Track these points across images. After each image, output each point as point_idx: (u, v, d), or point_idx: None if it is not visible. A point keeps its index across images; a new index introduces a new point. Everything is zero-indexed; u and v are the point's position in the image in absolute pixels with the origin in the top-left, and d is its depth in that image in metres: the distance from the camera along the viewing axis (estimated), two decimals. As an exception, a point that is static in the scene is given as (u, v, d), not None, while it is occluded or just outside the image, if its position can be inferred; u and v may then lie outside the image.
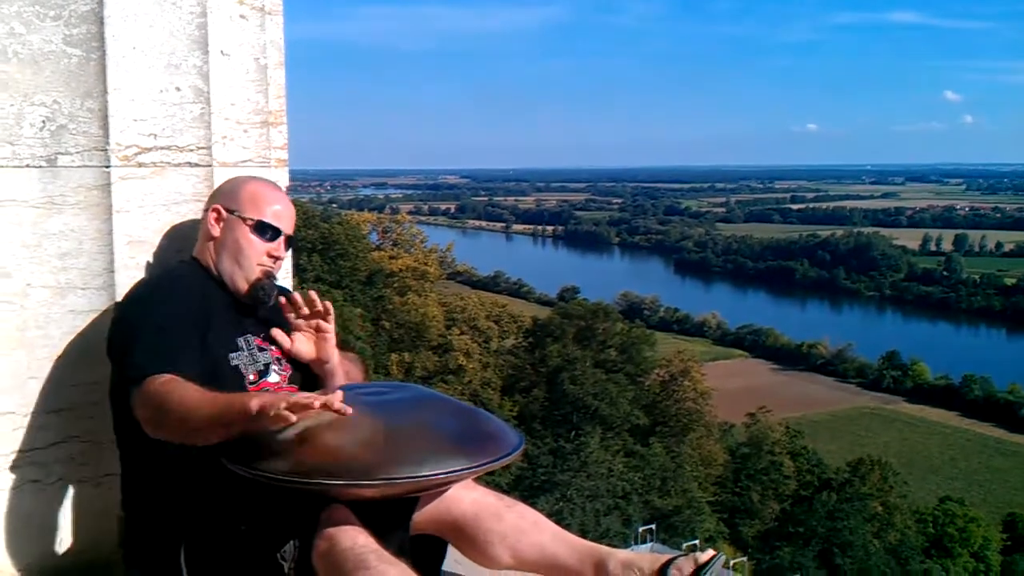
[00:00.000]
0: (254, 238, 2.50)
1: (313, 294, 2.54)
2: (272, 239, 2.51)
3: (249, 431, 2.09)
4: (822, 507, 47.35)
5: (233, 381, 2.38)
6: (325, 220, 51.33)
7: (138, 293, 2.46)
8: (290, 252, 2.95)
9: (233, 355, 2.43)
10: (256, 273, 2.50)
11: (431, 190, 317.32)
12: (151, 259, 2.62)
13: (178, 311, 2.35)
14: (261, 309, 2.53)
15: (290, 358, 2.55)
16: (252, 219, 2.50)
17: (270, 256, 2.51)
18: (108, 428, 2.47)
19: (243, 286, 2.50)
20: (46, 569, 2.56)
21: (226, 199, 2.54)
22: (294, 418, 2.03)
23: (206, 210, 2.55)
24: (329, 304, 2.54)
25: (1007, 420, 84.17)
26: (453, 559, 2.50)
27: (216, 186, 2.67)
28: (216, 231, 2.52)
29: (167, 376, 2.19)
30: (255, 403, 2.03)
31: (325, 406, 2.04)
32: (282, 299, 2.54)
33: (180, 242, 2.60)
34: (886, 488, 52.42)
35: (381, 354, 43.68)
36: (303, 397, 2.04)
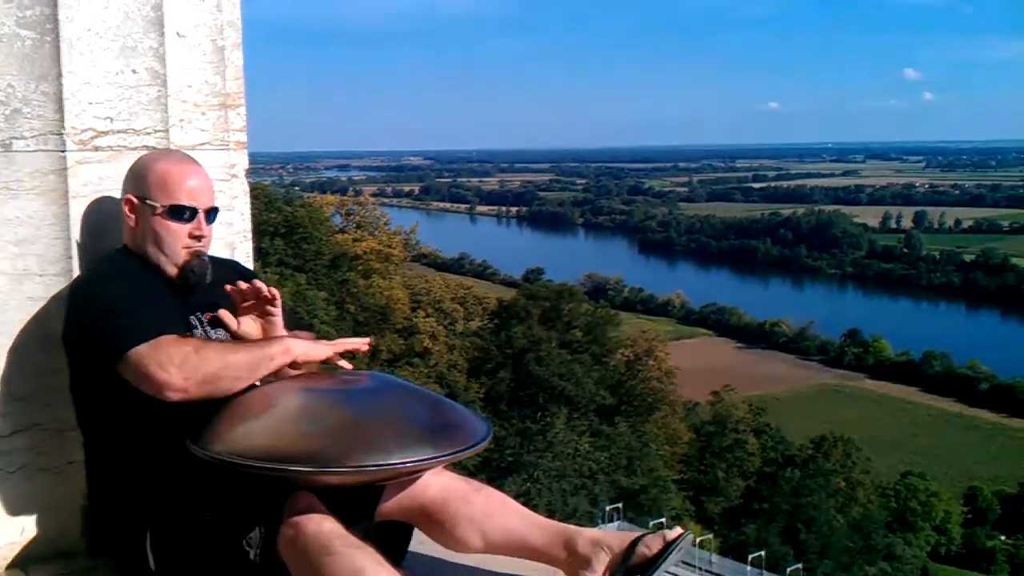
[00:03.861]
0: (171, 223, 2.41)
1: (259, 283, 2.46)
2: (191, 219, 2.42)
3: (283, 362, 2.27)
4: (786, 484, 47.90)
5: None
6: (288, 203, 51.00)
7: (92, 278, 2.41)
8: (250, 234, 2.93)
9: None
10: (182, 257, 2.42)
11: (394, 172, 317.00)
12: (97, 245, 2.57)
13: (134, 291, 2.31)
14: (199, 288, 2.46)
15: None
16: (165, 204, 2.41)
17: (192, 236, 2.43)
18: (70, 415, 2.45)
19: (172, 271, 2.43)
20: (10, 558, 2.53)
21: (136, 186, 2.45)
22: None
23: (121, 198, 2.47)
24: (275, 291, 2.46)
25: (967, 395, 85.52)
26: (417, 541, 2.50)
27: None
28: (132, 221, 2.44)
29: (174, 336, 2.20)
30: (299, 350, 2.28)
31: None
32: (227, 287, 2.46)
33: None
34: (849, 464, 53.13)
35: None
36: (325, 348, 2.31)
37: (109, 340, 2.21)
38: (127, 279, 2.36)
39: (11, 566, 2.52)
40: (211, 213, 2.48)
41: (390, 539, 2.34)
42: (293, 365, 2.31)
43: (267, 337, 2.33)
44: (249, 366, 2.22)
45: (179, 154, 2.55)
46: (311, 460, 2.06)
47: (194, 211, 2.43)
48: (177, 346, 2.17)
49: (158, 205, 2.40)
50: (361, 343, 2.41)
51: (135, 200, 2.43)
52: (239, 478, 2.11)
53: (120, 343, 2.19)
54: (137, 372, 2.17)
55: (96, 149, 2.57)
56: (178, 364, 2.15)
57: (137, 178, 2.45)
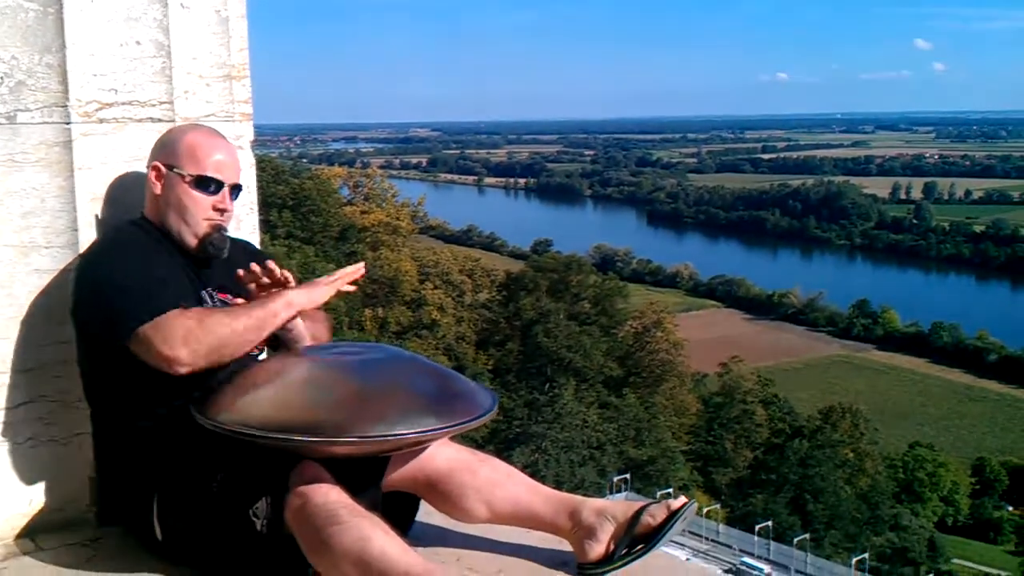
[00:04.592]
0: (196, 193, 2.44)
1: (272, 264, 2.46)
2: (216, 191, 2.46)
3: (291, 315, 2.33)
4: (794, 454, 48.02)
5: None
6: (295, 175, 51.03)
7: (100, 253, 2.42)
8: (256, 206, 2.94)
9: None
10: (203, 228, 2.45)
11: (402, 144, 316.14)
12: (105, 216, 2.58)
13: (144, 266, 2.32)
14: (216, 262, 2.49)
15: None
16: (192, 174, 2.44)
17: (216, 209, 2.47)
18: (77, 387, 2.47)
19: (192, 242, 2.46)
20: (19, 528, 2.55)
21: (165, 154, 2.47)
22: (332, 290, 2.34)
23: (148, 167, 2.49)
24: (288, 273, 2.46)
25: (975, 366, 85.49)
26: (423, 512, 2.52)
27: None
28: (158, 189, 2.46)
29: (178, 310, 2.22)
30: (301, 301, 2.32)
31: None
32: (239, 272, 2.46)
33: (141, 199, 2.55)
34: (857, 435, 53.20)
35: (355, 309, 43.66)
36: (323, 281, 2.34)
37: (116, 318, 2.24)
38: (137, 251, 2.37)
39: (20, 536, 2.54)
40: (235, 190, 2.52)
41: (397, 510, 2.35)
42: (301, 316, 2.41)
43: (268, 295, 2.34)
44: (254, 328, 2.25)
45: (211, 128, 2.57)
46: (317, 430, 2.07)
47: (220, 184, 2.46)
48: (181, 320, 2.20)
49: (185, 174, 2.43)
50: (357, 268, 2.43)
51: (163, 167, 2.45)
52: (245, 448, 2.13)
53: (127, 321, 2.22)
54: (145, 349, 2.21)
55: (101, 121, 2.56)
56: (182, 339, 2.19)
57: (167, 147, 2.48)
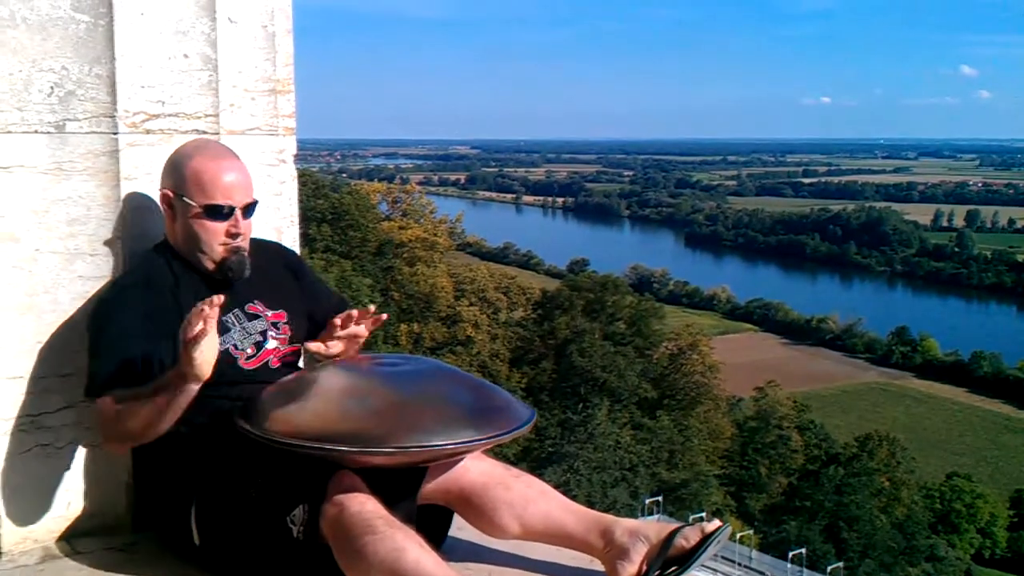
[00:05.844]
0: (207, 222, 2.40)
1: (371, 309, 2.47)
2: (227, 217, 2.41)
3: (188, 391, 2.18)
4: (829, 482, 47.46)
5: (225, 366, 2.32)
6: (335, 190, 51.27)
7: (105, 296, 2.46)
8: (296, 219, 2.96)
9: (222, 338, 2.34)
10: (219, 253, 2.42)
11: (441, 160, 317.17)
12: (146, 228, 2.61)
13: (145, 311, 2.35)
14: (239, 281, 2.47)
15: (290, 319, 2.56)
16: (200, 204, 2.40)
17: (229, 235, 2.43)
18: (116, 393, 2.48)
19: (210, 267, 2.44)
20: (57, 532, 2.58)
21: (172, 181, 2.44)
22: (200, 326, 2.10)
23: (159, 192, 2.49)
24: (383, 317, 2.50)
25: (1016, 397, 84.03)
26: (455, 526, 2.52)
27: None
28: (169, 217, 2.46)
29: (112, 396, 2.29)
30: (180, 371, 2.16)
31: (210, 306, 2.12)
32: (336, 320, 2.44)
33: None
34: (893, 463, 52.51)
35: (390, 324, 43.74)
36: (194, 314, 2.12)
37: (89, 379, 2.38)
38: (149, 293, 2.40)
39: (58, 539, 2.57)
40: (248, 208, 2.47)
41: (430, 523, 2.35)
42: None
43: (170, 377, 2.22)
44: (157, 418, 2.24)
45: (216, 147, 2.51)
46: (355, 440, 2.09)
47: (231, 209, 2.42)
48: (103, 418, 2.33)
49: (194, 204, 2.40)
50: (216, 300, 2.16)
51: (171, 196, 2.44)
52: (284, 456, 2.15)
53: (87, 390, 2.38)
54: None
55: (148, 132, 2.60)
56: (104, 431, 2.37)
57: (173, 173, 2.45)
